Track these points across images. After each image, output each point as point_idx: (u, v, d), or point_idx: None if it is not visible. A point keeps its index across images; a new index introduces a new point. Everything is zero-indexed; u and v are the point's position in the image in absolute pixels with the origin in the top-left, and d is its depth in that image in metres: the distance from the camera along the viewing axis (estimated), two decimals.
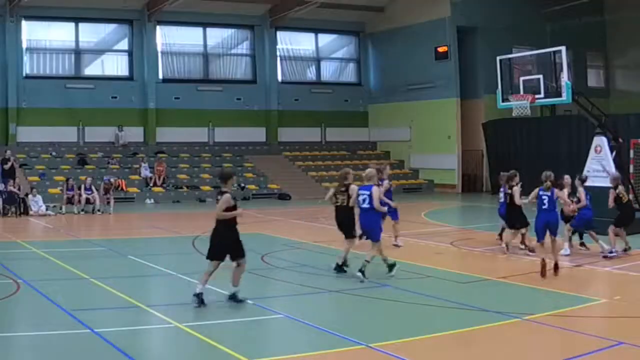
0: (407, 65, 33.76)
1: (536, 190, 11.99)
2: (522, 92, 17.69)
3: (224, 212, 10.04)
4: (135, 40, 32.06)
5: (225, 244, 9.92)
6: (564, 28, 30.79)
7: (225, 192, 9.98)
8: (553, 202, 11.85)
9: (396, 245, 15.28)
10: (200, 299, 9.53)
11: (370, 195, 11.41)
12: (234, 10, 32.80)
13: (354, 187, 11.94)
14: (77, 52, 31.47)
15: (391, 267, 11.78)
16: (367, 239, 11.88)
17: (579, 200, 13.62)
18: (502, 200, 14.63)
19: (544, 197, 11.85)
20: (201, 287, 9.64)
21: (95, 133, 30.93)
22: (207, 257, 9.85)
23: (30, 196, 23.03)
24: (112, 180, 25.17)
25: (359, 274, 11.30)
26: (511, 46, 28.53)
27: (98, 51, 32.15)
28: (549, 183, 11.88)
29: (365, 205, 11.50)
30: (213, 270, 9.75)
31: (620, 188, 13.92)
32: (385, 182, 14.52)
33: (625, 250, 13.83)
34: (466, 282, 11.60)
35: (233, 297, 9.76)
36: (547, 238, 11.87)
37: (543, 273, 11.47)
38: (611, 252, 13.38)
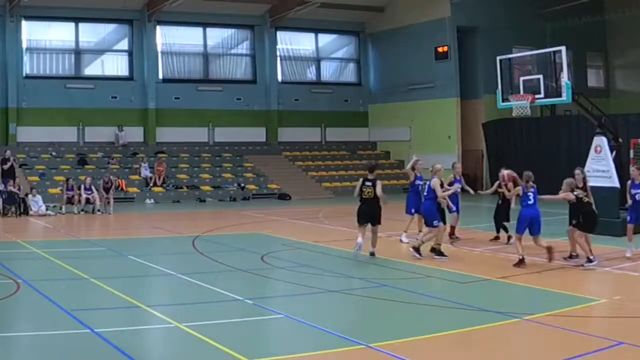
0: (407, 65, 33.76)
1: (519, 188, 13.31)
2: (522, 92, 17.67)
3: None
4: (135, 40, 32.07)
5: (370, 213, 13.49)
6: (564, 28, 30.78)
7: (373, 179, 13.43)
8: (536, 198, 12.89)
9: (401, 240, 15.67)
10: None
11: (429, 186, 13.62)
12: (234, 10, 32.81)
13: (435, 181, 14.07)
14: (77, 52, 31.47)
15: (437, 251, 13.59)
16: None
17: None
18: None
19: (529, 194, 12.84)
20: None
21: (95, 133, 30.93)
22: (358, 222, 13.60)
23: (30, 196, 23.02)
24: (111, 177, 25.10)
25: (414, 251, 13.46)
26: (511, 46, 28.53)
27: (98, 51, 32.14)
28: (531, 182, 12.91)
29: (426, 193, 13.75)
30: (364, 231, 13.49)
31: (579, 191, 12.92)
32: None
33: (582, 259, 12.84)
34: (466, 282, 11.60)
35: (372, 254, 13.54)
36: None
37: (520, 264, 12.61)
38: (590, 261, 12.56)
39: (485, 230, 17.74)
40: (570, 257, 13.10)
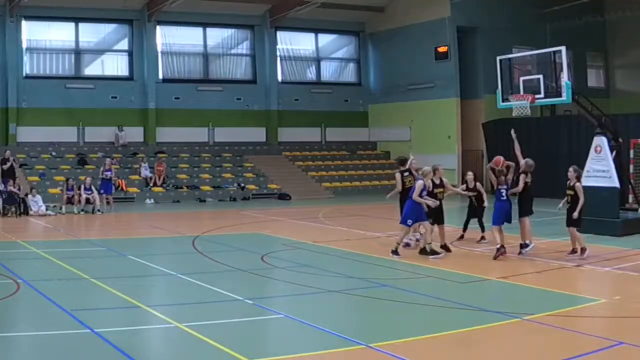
0: (407, 65, 33.75)
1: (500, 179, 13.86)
2: (522, 92, 17.66)
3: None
4: (135, 40, 32.06)
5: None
6: (564, 28, 30.78)
7: (403, 170, 14.65)
8: (508, 194, 13.72)
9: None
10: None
11: (414, 187, 13.70)
12: (234, 10, 32.80)
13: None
14: (77, 52, 31.47)
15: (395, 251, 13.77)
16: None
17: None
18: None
19: (501, 190, 13.68)
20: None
21: (95, 133, 30.91)
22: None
23: (30, 196, 23.01)
24: (112, 165, 25.52)
25: (394, 256, 13.58)
26: (511, 46, 28.54)
27: (98, 51, 32.12)
28: (502, 178, 13.72)
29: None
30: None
31: (529, 176, 13.84)
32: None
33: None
34: (466, 282, 11.61)
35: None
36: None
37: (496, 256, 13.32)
38: (527, 246, 13.68)
39: (485, 230, 17.71)
40: (526, 245, 13.81)
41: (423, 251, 13.81)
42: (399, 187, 14.67)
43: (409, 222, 13.63)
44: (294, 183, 30.96)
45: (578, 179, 13.64)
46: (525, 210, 13.79)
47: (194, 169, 31.01)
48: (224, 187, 29.75)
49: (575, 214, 13.32)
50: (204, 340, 7.96)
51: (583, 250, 13.29)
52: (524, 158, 14.03)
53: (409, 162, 15.77)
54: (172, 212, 25.02)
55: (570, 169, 13.72)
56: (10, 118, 29.39)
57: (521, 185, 13.67)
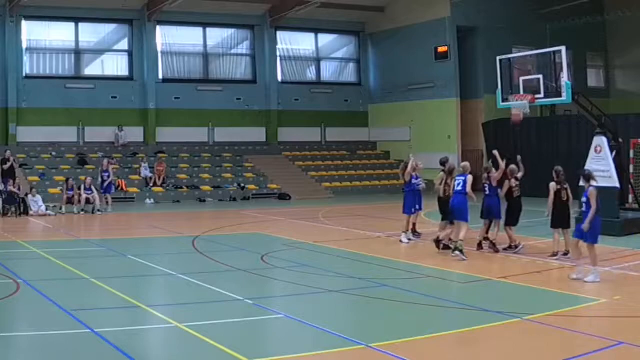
0: (407, 65, 33.76)
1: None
2: (522, 92, 17.66)
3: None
4: (135, 40, 32.06)
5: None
6: (564, 28, 30.78)
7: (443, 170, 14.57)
8: (492, 189, 14.22)
9: (400, 241, 15.75)
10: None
11: (464, 182, 13.61)
12: (234, 10, 32.81)
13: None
14: (77, 52, 31.47)
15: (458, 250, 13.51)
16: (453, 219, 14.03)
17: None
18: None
19: (485, 185, 14.28)
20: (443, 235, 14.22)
21: (95, 133, 30.91)
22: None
23: (30, 196, 23.01)
24: (110, 166, 25.51)
25: (458, 252, 13.33)
26: (511, 46, 28.54)
27: (98, 51, 32.13)
28: (486, 175, 14.29)
29: (459, 189, 13.71)
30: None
31: (514, 182, 14.46)
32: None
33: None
34: (466, 282, 11.61)
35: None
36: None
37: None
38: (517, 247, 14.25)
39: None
40: (509, 247, 14.30)
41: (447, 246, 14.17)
42: (441, 192, 14.64)
43: (467, 217, 13.69)
44: (294, 183, 30.97)
45: (556, 179, 13.60)
46: (509, 219, 14.49)
47: (194, 169, 31.01)
48: (224, 187, 29.75)
49: (546, 214, 13.47)
50: (204, 340, 7.96)
51: (555, 254, 13.39)
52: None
53: (411, 163, 15.86)
54: (172, 212, 25.02)
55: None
56: (10, 118, 29.39)
57: (505, 189, 14.39)
